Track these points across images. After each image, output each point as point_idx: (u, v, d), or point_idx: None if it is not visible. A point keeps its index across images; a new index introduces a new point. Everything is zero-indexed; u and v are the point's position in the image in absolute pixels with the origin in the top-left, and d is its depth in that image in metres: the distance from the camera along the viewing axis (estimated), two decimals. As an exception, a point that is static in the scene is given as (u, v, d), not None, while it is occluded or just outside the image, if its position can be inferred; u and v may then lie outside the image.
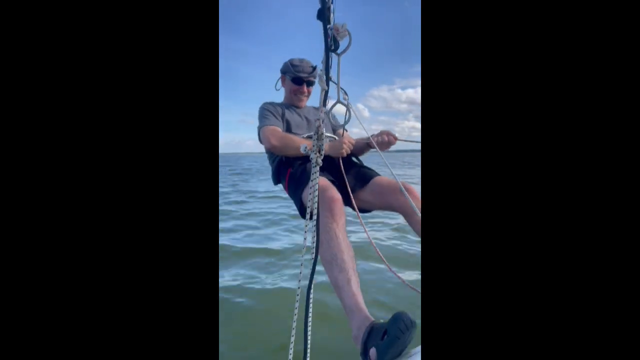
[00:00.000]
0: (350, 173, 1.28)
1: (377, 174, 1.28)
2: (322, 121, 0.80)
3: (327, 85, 0.77)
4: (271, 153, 1.38)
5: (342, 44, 0.77)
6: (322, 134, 0.81)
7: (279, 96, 1.56)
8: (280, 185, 1.37)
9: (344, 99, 1.10)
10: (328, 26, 0.71)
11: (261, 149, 1.39)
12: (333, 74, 0.86)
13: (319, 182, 1.10)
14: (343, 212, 1.02)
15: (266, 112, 1.39)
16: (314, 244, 0.89)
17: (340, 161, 1.25)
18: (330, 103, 1.17)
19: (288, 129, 1.39)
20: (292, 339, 0.78)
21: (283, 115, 1.41)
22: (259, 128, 1.36)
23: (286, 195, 1.32)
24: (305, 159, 1.28)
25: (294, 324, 0.77)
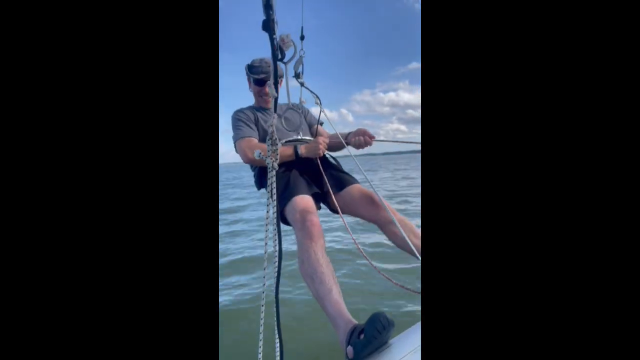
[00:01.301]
0: (327, 175, 1.28)
1: (354, 182, 1.30)
2: (275, 127, 0.83)
3: (277, 92, 0.81)
4: None
5: (289, 53, 0.82)
6: (276, 138, 0.84)
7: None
8: (264, 190, 1.36)
9: (316, 103, 1.15)
10: (274, 36, 0.76)
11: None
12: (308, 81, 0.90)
13: (301, 202, 1.11)
14: (322, 234, 1.03)
15: (239, 122, 1.34)
16: (277, 251, 0.90)
17: (319, 161, 1.26)
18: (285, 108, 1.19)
19: (266, 133, 1.36)
20: (260, 343, 0.77)
21: (257, 121, 1.38)
22: (234, 140, 1.32)
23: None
24: (287, 165, 1.25)
25: (261, 328, 0.76)
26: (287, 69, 0.83)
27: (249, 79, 1.44)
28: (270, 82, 0.80)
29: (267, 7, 0.72)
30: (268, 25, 0.74)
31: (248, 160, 1.27)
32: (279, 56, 0.79)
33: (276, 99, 0.82)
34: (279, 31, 0.81)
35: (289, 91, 0.85)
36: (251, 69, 1.39)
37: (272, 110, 0.82)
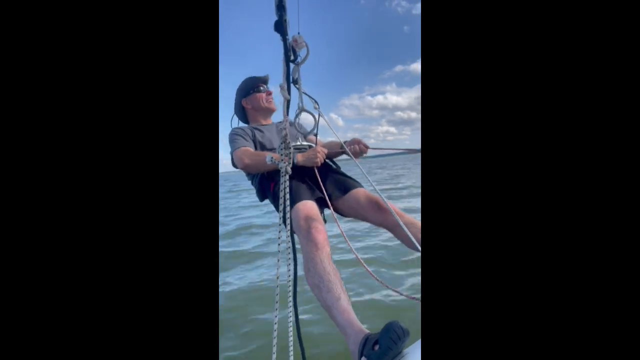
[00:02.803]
0: (329, 179, 1.27)
1: (357, 185, 1.28)
2: (288, 130, 0.81)
3: (289, 94, 0.79)
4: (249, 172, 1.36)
5: (301, 54, 0.80)
6: (289, 142, 0.82)
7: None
8: (267, 201, 1.32)
9: (315, 107, 1.14)
10: (286, 37, 0.74)
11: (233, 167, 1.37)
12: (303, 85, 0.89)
13: (304, 208, 1.08)
14: (327, 241, 1.00)
15: (235, 136, 1.36)
16: (290, 254, 0.87)
17: (316, 169, 1.24)
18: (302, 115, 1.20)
19: (263, 149, 1.38)
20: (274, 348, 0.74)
21: (254, 137, 1.40)
22: (231, 153, 1.32)
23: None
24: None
25: (275, 333, 0.74)
26: (299, 71, 0.81)
27: (245, 100, 1.46)
28: (283, 84, 0.78)
29: (280, 7, 0.71)
30: (281, 26, 0.72)
31: (244, 165, 1.26)
32: (292, 57, 0.78)
33: (288, 102, 0.80)
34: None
35: (301, 93, 0.83)
36: (249, 81, 1.43)
37: (284, 114, 0.79)
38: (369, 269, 1.01)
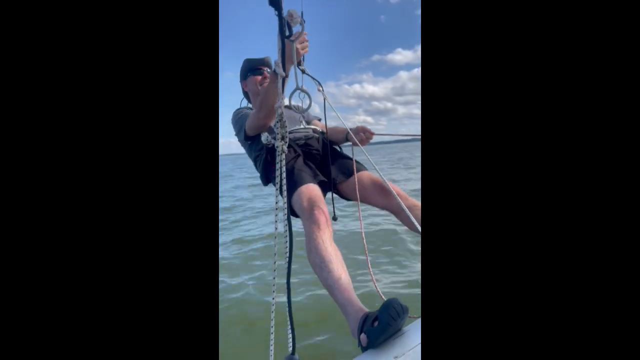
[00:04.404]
0: (334, 163, 1.27)
1: (361, 168, 1.29)
2: (283, 109, 0.79)
3: (284, 70, 0.77)
4: (255, 156, 1.32)
5: (296, 30, 0.79)
6: (285, 121, 0.80)
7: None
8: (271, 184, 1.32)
9: (319, 90, 1.12)
10: (281, 12, 0.72)
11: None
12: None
13: (307, 191, 1.08)
14: (329, 222, 1.01)
15: (240, 114, 1.33)
16: (287, 234, 0.86)
17: (326, 150, 1.24)
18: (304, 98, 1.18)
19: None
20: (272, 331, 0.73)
21: None
22: (241, 129, 1.26)
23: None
24: (290, 155, 1.20)
25: (272, 322, 0.73)
26: (294, 48, 0.79)
27: (244, 82, 1.44)
28: (278, 61, 0.76)
29: (275, -20, 0.69)
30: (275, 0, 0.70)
31: (263, 116, 1.14)
32: (287, 33, 0.76)
33: (284, 80, 0.78)
34: (285, 7, 0.78)
35: (296, 71, 0.81)
36: (246, 64, 1.40)
37: (279, 92, 0.78)
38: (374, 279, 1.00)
